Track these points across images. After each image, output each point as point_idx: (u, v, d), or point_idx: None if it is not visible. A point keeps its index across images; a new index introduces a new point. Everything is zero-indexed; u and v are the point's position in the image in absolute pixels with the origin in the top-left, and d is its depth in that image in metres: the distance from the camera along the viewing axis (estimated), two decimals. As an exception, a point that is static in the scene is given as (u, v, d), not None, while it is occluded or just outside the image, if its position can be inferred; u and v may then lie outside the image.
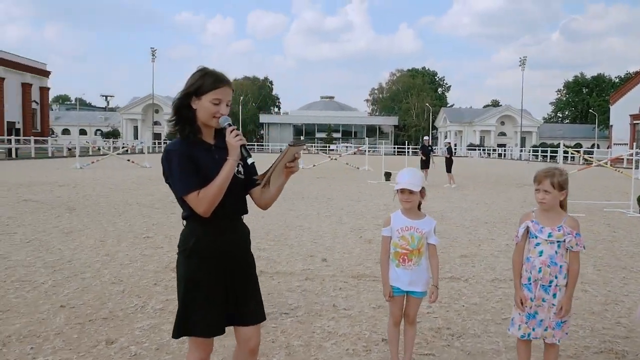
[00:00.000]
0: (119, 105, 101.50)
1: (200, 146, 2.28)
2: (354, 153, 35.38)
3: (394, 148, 69.98)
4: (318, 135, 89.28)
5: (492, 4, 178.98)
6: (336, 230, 8.43)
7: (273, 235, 7.84)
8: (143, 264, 5.95)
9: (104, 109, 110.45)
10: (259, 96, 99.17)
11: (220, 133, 2.32)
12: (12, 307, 4.35)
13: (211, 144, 2.32)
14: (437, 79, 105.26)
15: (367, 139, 71.83)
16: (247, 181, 2.37)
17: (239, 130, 2.26)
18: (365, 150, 29.24)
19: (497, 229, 8.96)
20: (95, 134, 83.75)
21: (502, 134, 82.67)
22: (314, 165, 27.60)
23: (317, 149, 54.75)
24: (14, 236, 7.40)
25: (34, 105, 57.13)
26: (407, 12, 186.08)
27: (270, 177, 2.30)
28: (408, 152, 68.89)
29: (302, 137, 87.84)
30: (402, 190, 3.03)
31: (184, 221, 2.33)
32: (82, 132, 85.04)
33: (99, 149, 33.39)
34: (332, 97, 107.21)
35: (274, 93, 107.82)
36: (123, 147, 36.77)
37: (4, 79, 51.59)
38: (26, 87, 55.70)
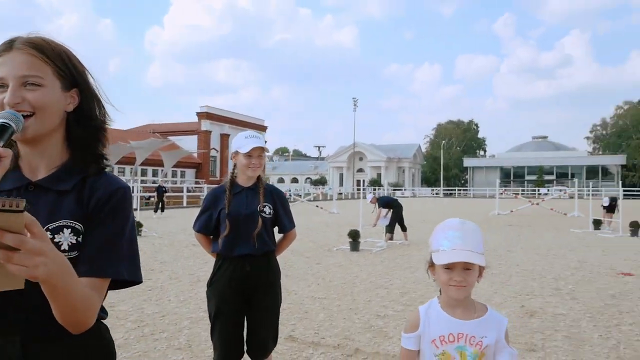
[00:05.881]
0: (330, 154, 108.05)
1: None
2: (560, 197, 30.99)
3: (620, 190, 60.21)
4: (528, 178, 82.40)
5: None
6: (494, 295, 6.64)
7: (402, 295, 6.45)
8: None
9: (317, 158, 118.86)
10: (463, 140, 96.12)
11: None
12: None
13: None
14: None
15: (586, 181, 63.38)
16: None
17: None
18: (573, 194, 25.19)
19: None
20: (305, 182, 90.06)
21: None
22: (512, 211, 24.78)
23: (520, 193, 50.09)
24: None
25: (252, 157, 63.88)
26: (638, 38, 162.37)
27: None
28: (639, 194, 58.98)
29: (511, 181, 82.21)
30: (450, 266, 1.60)
31: None
32: (294, 180, 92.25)
33: (290, 196, 35.31)
34: (545, 137, 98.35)
35: (480, 136, 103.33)
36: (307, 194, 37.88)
37: (229, 135, 58.93)
38: (246, 141, 62.92)
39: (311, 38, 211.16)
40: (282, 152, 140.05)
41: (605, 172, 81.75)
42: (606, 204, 16.54)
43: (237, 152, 2.97)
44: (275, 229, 3.11)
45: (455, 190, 75.11)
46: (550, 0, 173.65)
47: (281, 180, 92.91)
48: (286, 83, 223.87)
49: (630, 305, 6.02)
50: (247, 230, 2.91)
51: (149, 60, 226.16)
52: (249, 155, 2.92)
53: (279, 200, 3.09)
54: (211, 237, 3.06)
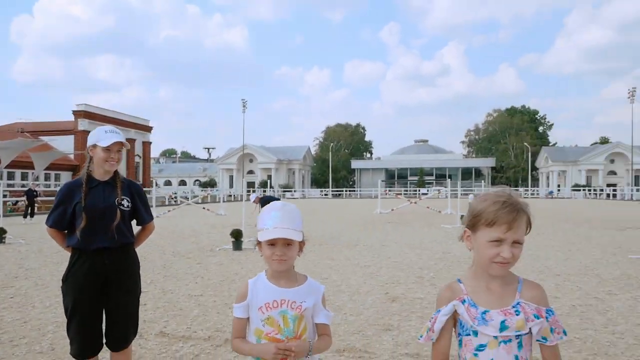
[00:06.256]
0: (220, 156, 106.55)
1: None
2: (438, 196, 33.35)
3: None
4: (411, 179, 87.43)
5: (600, 38, 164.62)
6: (363, 284, 7.10)
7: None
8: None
9: (206, 160, 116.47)
10: (351, 142, 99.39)
11: None
12: None
13: None
14: (538, 118, 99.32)
15: (461, 181, 68.71)
16: None
17: None
18: (447, 193, 27.24)
19: (569, 283, 7.14)
20: (194, 184, 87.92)
21: (612, 172, 75.39)
22: (392, 210, 26.21)
23: (403, 193, 53.10)
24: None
25: (137, 159, 61.13)
26: (508, 52, 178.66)
27: None
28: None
29: (395, 181, 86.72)
30: (273, 242, 1.80)
31: None
32: (182, 182, 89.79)
33: (175, 199, 34.37)
34: (426, 141, 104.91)
35: (367, 139, 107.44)
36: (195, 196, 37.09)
37: (110, 135, 55.92)
38: (130, 142, 59.93)
39: (200, 36, 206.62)
40: (169, 153, 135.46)
41: (478, 174, 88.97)
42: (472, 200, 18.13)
43: (95, 146, 2.98)
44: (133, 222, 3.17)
45: (343, 191, 77.58)
46: (431, 12, 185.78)
47: (168, 183, 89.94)
48: (174, 82, 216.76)
49: (479, 288, 6.75)
50: (104, 224, 2.93)
51: (16, 53, 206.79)
52: (107, 149, 2.95)
53: (136, 194, 3.15)
54: (65, 232, 3.03)
